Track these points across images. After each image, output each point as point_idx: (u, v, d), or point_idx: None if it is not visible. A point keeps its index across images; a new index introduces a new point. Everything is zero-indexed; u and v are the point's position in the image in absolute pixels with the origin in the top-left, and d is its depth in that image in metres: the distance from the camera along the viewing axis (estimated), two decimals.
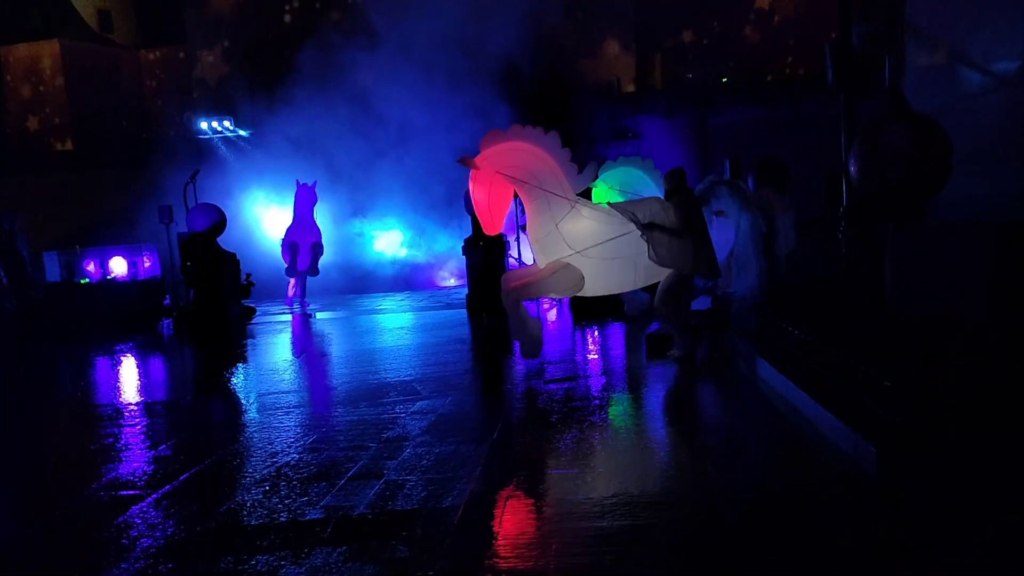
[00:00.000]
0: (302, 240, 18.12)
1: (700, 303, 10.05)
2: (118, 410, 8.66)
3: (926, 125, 6.18)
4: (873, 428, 5.14)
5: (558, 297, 12.03)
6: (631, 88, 31.46)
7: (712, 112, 26.15)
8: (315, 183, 18.58)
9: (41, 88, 37.21)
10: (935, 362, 5.26)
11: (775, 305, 8.04)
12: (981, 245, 5.66)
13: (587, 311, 13.00)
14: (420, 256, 21.80)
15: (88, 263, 17.05)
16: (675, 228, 8.39)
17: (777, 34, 33.23)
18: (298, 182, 18.52)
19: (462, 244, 16.15)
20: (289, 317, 16.50)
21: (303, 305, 17.72)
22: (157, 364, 12.57)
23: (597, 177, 11.14)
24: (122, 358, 12.89)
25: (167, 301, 16.54)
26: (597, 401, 7.64)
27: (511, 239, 15.77)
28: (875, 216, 7.12)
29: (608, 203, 9.06)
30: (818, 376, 6.37)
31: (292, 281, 18.28)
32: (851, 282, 7.44)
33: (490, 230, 9.40)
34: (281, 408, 8.25)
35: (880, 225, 6.92)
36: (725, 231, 9.09)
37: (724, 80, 33.20)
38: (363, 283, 21.29)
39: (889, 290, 6.60)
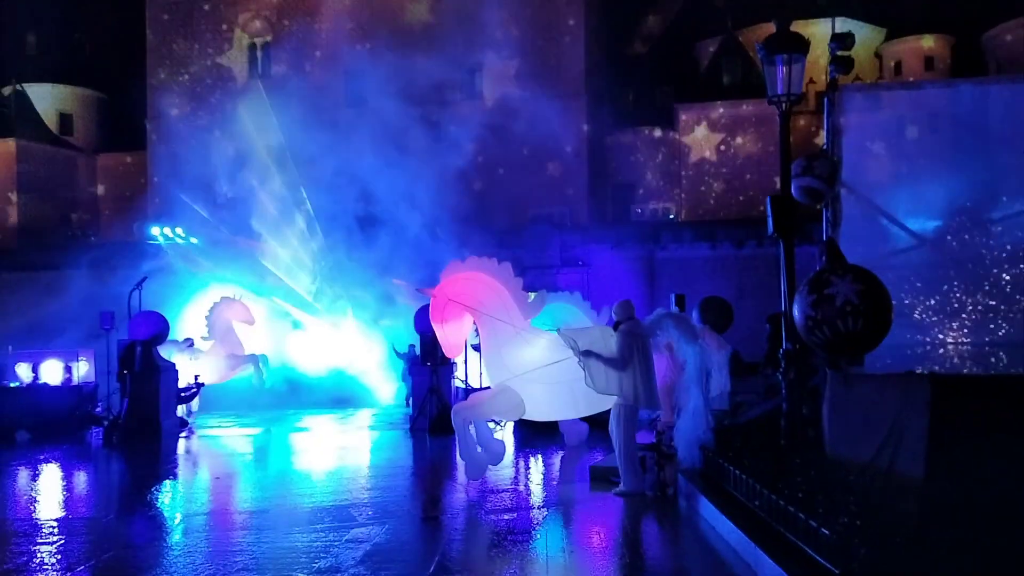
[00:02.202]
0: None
1: (643, 436, 10.06)
2: (35, 525, 8.20)
3: (869, 279, 6.46)
4: None
5: (501, 420, 12.12)
6: (584, 219, 32.46)
7: (660, 246, 26.98)
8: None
9: None
10: (871, 512, 5.31)
11: (718, 445, 8.11)
12: (915, 396, 5.83)
13: (532, 438, 12.87)
14: (364, 372, 21.37)
15: (19, 365, 16.40)
16: (612, 357, 8.55)
17: (726, 178, 34.90)
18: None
19: (409, 363, 16.04)
20: (227, 431, 15.98)
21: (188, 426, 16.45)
22: (81, 476, 12.02)
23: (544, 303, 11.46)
24: (45, 468, 12.29)
25: (99, 410, 15.92)
26: (538, 535, 7.49)
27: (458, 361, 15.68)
28: (815, 361, 7.32)
29: (557, 329, 9.30)
30: (760, 520, 6.37)
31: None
32: (791, 426, 7.57)
33: (449, 353, 10.27)
34: (208, 530, 7.91)
35: (820, 371, 7.11)
36: (660, 364, 9.26)
37: (672, 216, 34.49)
38: (301, 397, 20.47)
39: (828, 436, 6.72)
